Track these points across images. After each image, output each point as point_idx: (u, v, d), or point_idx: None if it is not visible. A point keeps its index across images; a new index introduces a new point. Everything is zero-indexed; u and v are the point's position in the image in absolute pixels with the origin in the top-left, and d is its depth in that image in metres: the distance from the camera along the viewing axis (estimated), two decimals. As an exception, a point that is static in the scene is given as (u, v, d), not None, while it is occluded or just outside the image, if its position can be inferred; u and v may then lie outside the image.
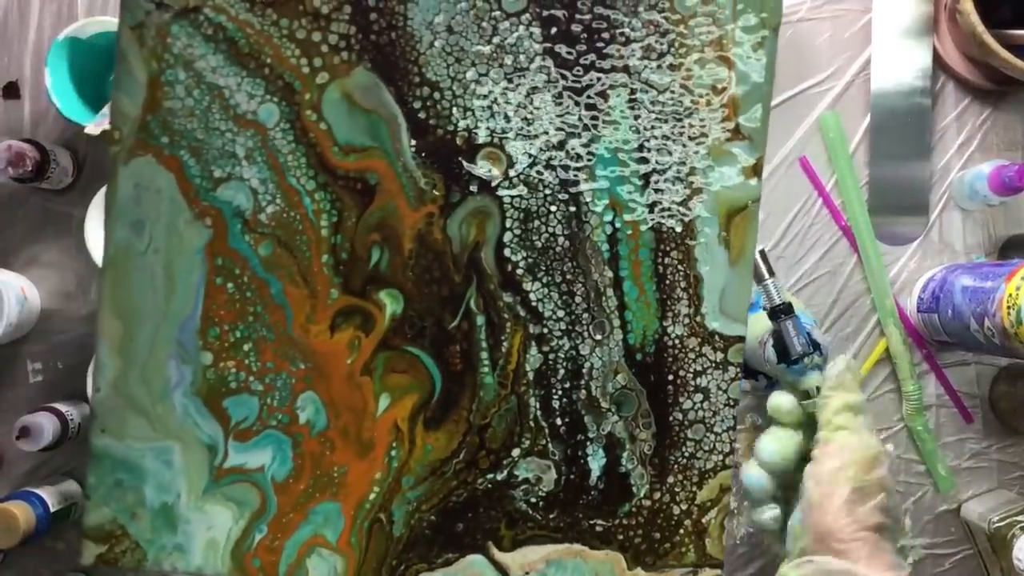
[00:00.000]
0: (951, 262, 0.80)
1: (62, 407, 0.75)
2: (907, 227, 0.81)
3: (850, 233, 0.80)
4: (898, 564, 0.51)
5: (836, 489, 0.51)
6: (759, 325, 0.63)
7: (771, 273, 0.58)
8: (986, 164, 0.77)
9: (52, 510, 0.74)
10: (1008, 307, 0.64)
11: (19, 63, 0.79)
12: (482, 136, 0.50)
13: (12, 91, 0.79)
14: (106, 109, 0.73)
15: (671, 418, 0.52)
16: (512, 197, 0.50)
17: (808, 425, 0.57)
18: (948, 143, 0.81)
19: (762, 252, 0.58)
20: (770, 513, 0.57)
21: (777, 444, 0.57)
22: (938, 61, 0.80)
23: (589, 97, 0.50)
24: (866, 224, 0.80)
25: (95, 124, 0.71)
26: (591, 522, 0.52)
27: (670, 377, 0.52)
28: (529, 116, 0.50)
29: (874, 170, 0.80)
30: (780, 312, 0.58)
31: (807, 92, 0.80)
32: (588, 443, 0.52)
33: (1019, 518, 0.75)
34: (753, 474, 0.57)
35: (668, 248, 0.51)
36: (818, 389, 0.57)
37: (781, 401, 0.57)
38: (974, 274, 0.71)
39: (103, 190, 0.73)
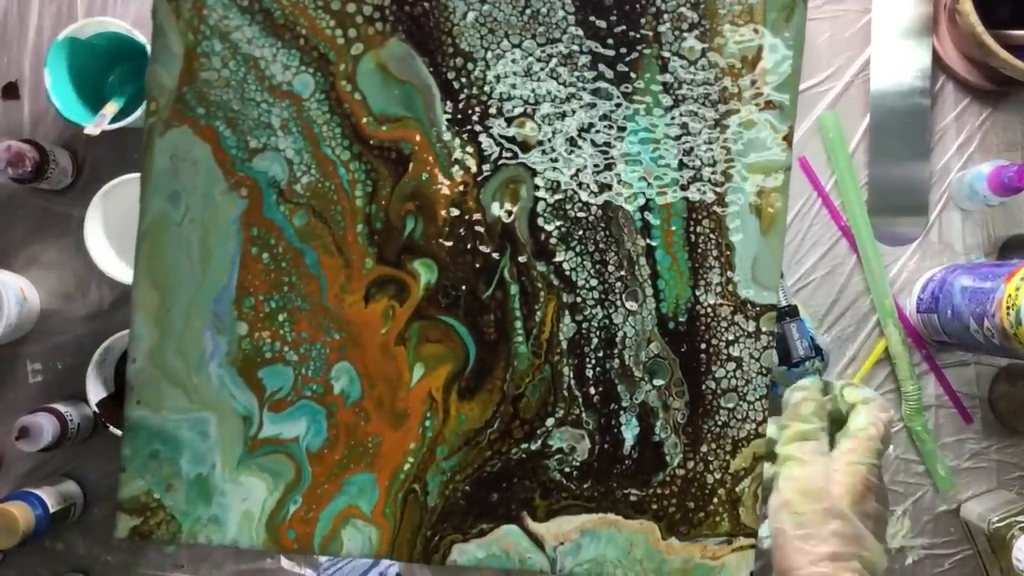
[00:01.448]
0: (950, 262, 0.80)
1: (61, 407, 0.75)
2: (906, 227, 0.81)
3: (849, 233, 0.80)
4: None
5: (784, 525, 0.50)
6: None
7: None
8: (985, 164, 0.77)
9: (51, 511, 0.74)
10: (1007, 307, 0.64)
11: (18, 63, 0.79)
12: (516, 106, 0.50)
13: (11, 91, 0.79)
14: (105, 109, 0.73)
15: (704, 387, 0.52)
16: (545, 166, 0.51)
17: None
18: (947, 143, 0.81)
19: None
20: None
21: None
22: (938, 61, 0.81)
23: (621, 67, 0.51)
24: (865, 224, 0.80)
25: (94, 124, 0.71)
26: (625, 491, 0.52)
27: (703, 346, 0.52)
28: (562, 86, 0.50)
29: (874, 170, 0.81)
30: (785, 315, 0.59)
31: (807, 92, 0.81)
32: (622, 412, 0.52)
33: (1018, 518, 0.75)
34: None
35: (700, 217, 0.51)
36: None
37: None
38: (973, 274, 0.72)
39: (103, 190, 0.73)
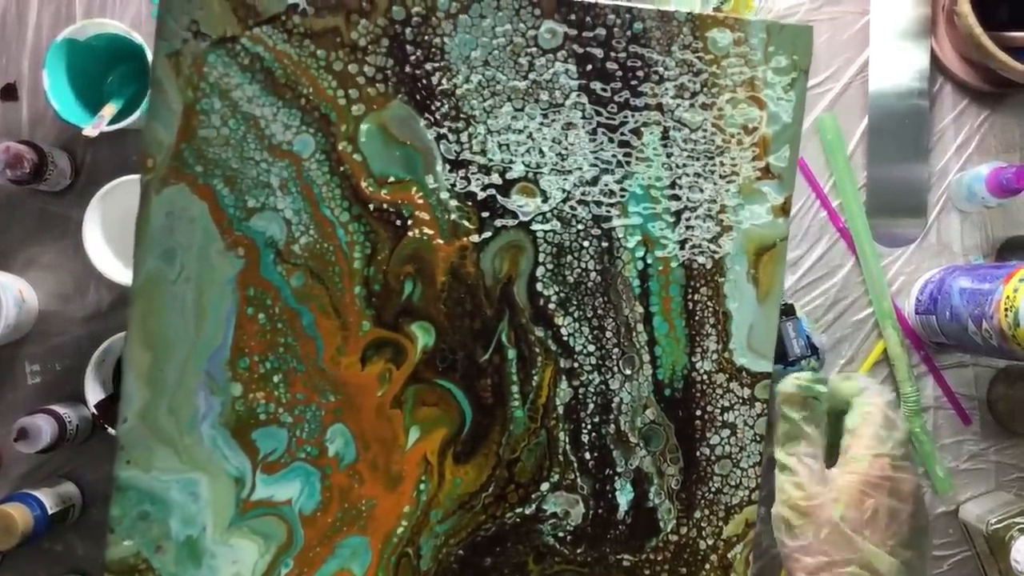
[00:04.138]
0: (949, 264, 0.80)
1: (60, 409, 0.74)
2: (905, 229, 0.81)
3: (848, 235, 0.80)
4: None
5: (782, 537, 0.52)
6: None
7: None
8: (984, 166, 0.77)
9: (50, 512, 0.73)
10: (1006, 309, 0.64)
11: (17, 65, 0.79)
12: (517, 171, 0.50)
13: (10, 93, 0.78)
14: (104, 111, 0.72)
15: (698, 453, 0.52)
16: (545, 232, 0.51)
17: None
18: (946, 145, 0.81)
19: None
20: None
21: None
22: (936, 63, 0.81)
23: (623, 134, 0.51)
24: (864, 226, 0.80)
25: (93, 126, 0.70)
26: (618, 556, 0.52)
27: (698, 412, 0.52)
28: (563, 152, 0.50)
29: (872, 172, 0.81)
30: (782, 313, 0.59)
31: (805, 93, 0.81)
32: (616, 477, 0.52)
33: (1017, 520, 0.75)
34: None
35: (698, 284, 0.51)
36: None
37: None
38: (972, 276, 0.71)
39: (101, 192, 0.72)
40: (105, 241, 0.73)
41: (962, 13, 0.72)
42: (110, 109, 0.73)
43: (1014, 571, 0.73)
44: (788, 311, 0.58)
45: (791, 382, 0.53)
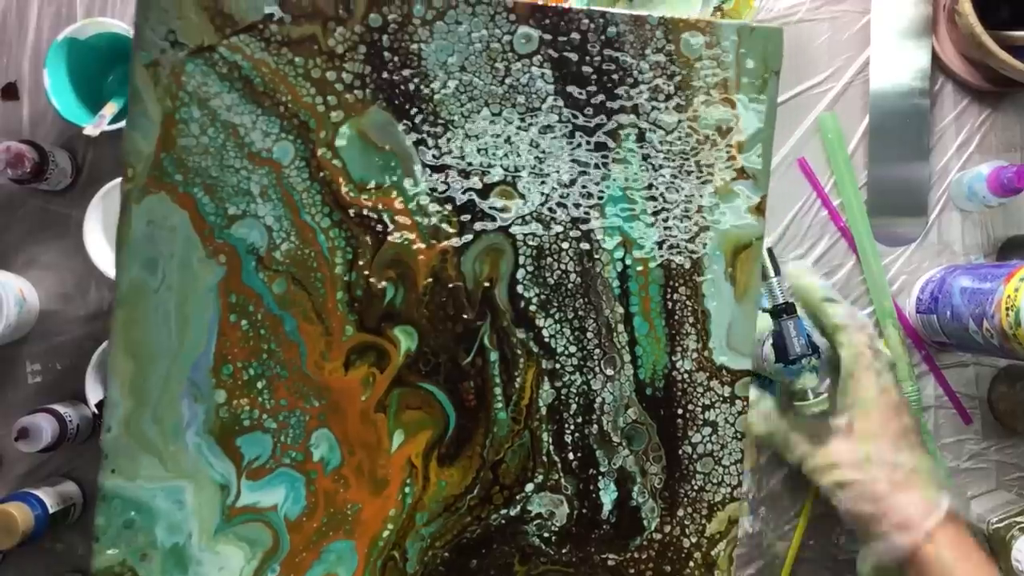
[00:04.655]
0: (950, 263, 0.81)
1: (61, 408, 0.74)
2: (906, 228, 0.81)
3: (848, 234, 0.81)
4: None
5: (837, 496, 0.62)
6: (760, 323, 0.64)
7: (776, 272, 0.58)
8: (985, 165, 0.77)
9: (51, 511, 0.74)
10: (1007, 308, 0.64)
11: (18, 64, 0.79)
12: (496, 174, 0.51)
13: (11, 92, 0.79)
14: (105, 110, 0.72)
15: (680, 452, 0.53)
16: (525, 234, 0.51)
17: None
18: (947, 144, 0.82)
19: (769, 250, 0.59)
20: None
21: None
22: (937, 62, 0.81)
23: (599, 136, 0.51)
24: (865, 225, 0.80)
25: (93, 125, 0.71)
26: (603, 556, 0.52)
27: (679, 411, 0.52)
28: (541, 155, 0.51)
29: (873, 171, 0.81)
30: (782, 311, 0.59)
31: (806, 93, 0.81)
32: (600, 477, 0.52)
33: (1018, 519, 0.76)
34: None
35: (677, 284, 0.52)
36: (812, 390, 0.58)
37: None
38: (973, 275, 0.72)
39: (102, 191, 0.72)
40: (106, 240, 0.74)
41: (963, 12, 0.72)
42: (111, 108, 0.73)
43: (1015, 570, 0.74)
44: (789, 310, 0.59)
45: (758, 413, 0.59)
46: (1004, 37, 0.75)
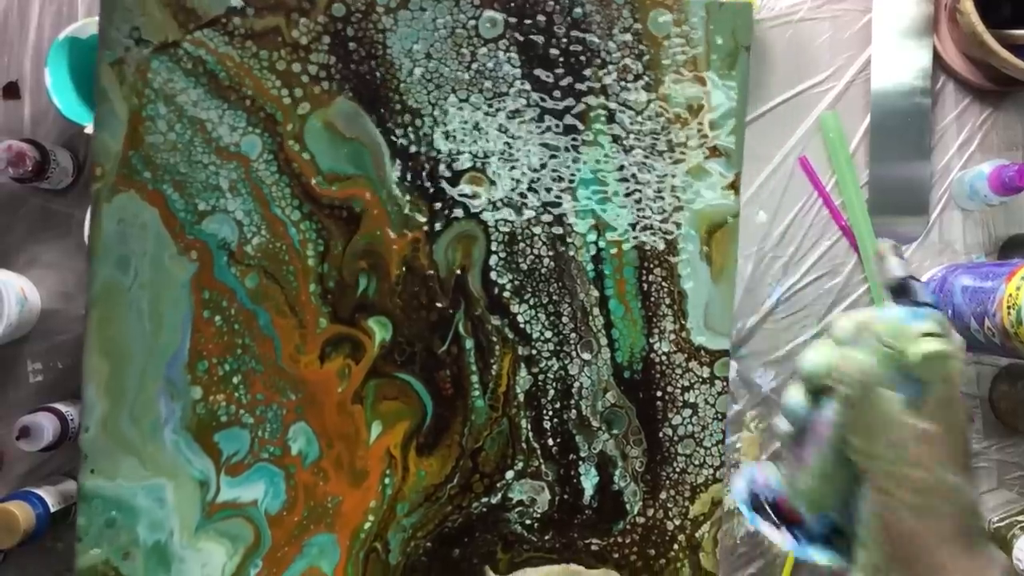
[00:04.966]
0: (951, 262, 0.80)
1: (62, 407, 0.75)
2: (907, 227, 0.81)
3: (850, 233, 0.80)
4: None
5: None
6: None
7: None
8: (986, 164, 0.77)
9: (52, 510, 0.74)
10: (1008, 307, 0.64)
11: (19, 63, 0.79)
12: (465, 161, 0.51)
13: (12, 91, 0.79)
14: None
15: (661, 434, 0.52)
16: (497, 220, 0.51)
17: None
18: (948, 143, 0.81)
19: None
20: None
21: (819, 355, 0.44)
22: (938, 61, 0.81)
23: (568, 119, 0.51)
24: (866, 224, 0.80)
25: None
26: (586, 541, 0.52)
27: (658, 393, 0.52)
28: (511, 140, 0.51)
29: (874, 170, 0.81)
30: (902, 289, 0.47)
31: (807, 92, 0.81)
32: (580, 462, 0.52)
33: (1019, 518, 0.75)
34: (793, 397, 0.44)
35: (652, 265, 0.51)
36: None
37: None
38: (974, 274, 0.71)
39: None
40: None
41: (964, 11, 0.72)
42: (113, 106, 0.73)
43: (1017, 569, 0.73)
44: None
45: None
46: (1005, 36, 0.74)
